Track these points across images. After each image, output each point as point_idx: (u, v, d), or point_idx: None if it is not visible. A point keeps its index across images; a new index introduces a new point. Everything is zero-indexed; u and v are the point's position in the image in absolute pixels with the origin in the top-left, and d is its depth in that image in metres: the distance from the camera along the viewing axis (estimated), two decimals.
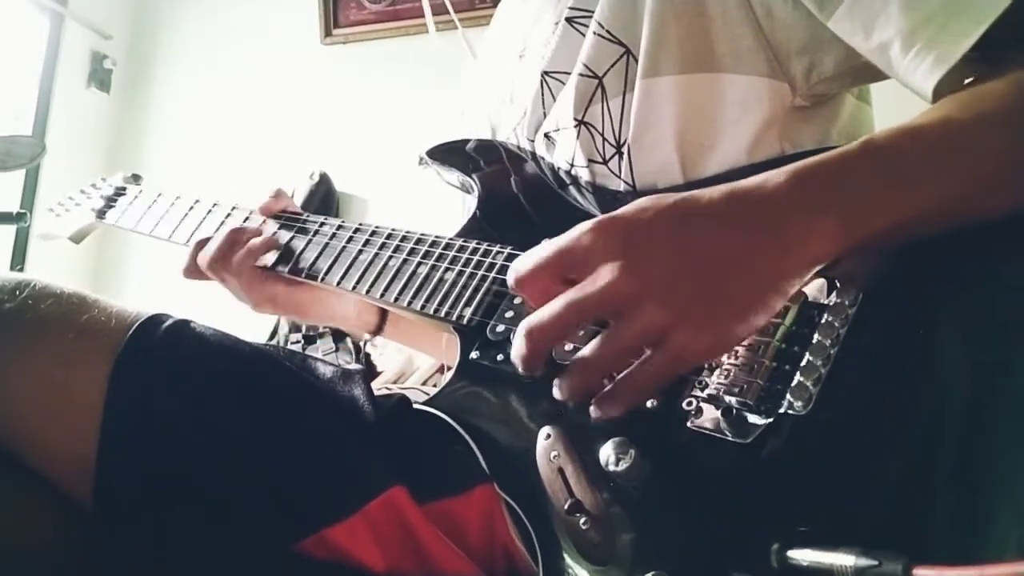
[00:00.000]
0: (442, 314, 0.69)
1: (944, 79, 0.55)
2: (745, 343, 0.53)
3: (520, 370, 0.51)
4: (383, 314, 0.99)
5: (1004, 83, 0.53)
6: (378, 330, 0.99)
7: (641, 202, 0.50)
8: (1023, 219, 0.49)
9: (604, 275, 0.48)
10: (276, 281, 0.88)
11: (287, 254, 0.87)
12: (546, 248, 0.51)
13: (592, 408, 0.51)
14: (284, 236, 0.89)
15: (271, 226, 0.91)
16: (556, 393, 0.51)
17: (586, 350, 0.49)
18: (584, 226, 0.50)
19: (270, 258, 0.88)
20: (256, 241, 0.87)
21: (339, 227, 0.85)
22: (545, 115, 0.79)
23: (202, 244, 0.90)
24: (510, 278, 0.52)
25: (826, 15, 0.61)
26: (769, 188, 0.50)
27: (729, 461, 0.50)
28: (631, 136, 0.71)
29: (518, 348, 0.50)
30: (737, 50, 0.68)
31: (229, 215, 0.96)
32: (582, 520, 0.52)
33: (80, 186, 1.18)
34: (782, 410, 0.49)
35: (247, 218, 0.94)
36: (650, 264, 0.47)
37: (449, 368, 0.69)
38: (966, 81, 0.57)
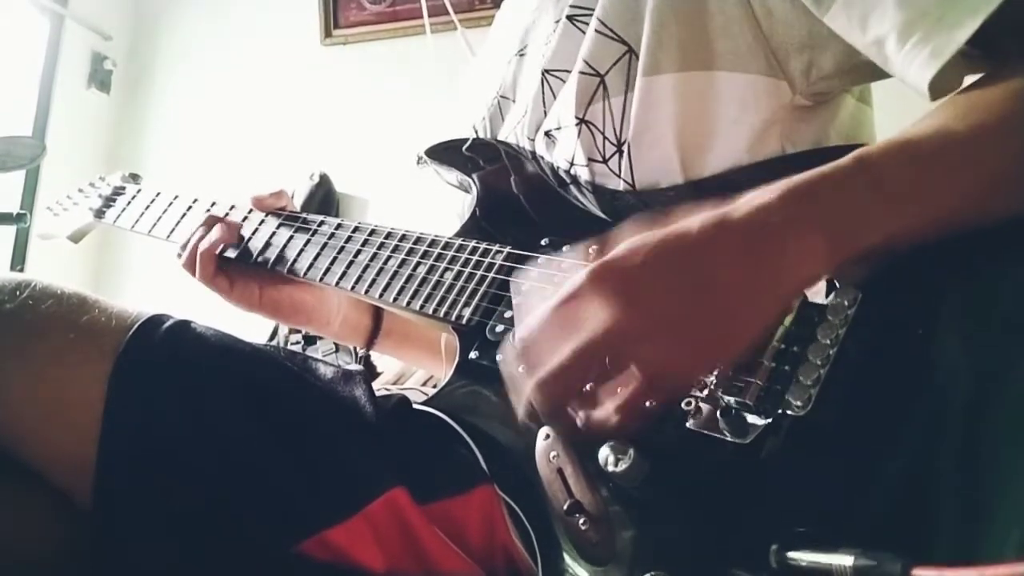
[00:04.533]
0: (441, 314, 0.69)
1: (941, 73, 0.54)
2: None
3: (548, 425, 0.52)
4: (375, 328, 0.98)
5: (1000, 90, 0.53)
6: (370, 344, 0.99)
7: (632, 243, 0.50)
8: (1022, 220, 0.49)
9: (602, 316, 0.48)
10: (250, 279, 0.89)
11: (285, 252, 0.87)
12: (544, 309, 0.51)
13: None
14: (283, 234, 0.89)
15: (270, 224, 0.91)
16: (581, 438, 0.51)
17: (594, 392, 0.50)
18: (576, 278, 0.50)
19: (271, 255, 0.88)
20: (212, 235, 0.88)
21: (338, 226, 0.85)
22: (545, 113, 0.79)
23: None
24: (518, 348, 0.52)
25: (822, 11, 0.61)
26: (759, 213, 0.49)
27: (728, 461, 0.50)
28: (631, 135, 0.71)
29: (538, 406, 0.50)
30: (736, 48, 0.68)
31: (227, 214, 0.96)
32: (581, 520, 0.52)
33: (78, 185, 1.18)
34: (781, 410, 0.49)
35: (246, 216, 0.94)
36: (645, 299, 0.48)
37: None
38: (965, 78, 0.57)
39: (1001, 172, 0.51)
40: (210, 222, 0.91)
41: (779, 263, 0.49)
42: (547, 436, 0.56)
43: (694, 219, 0.50)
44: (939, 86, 0.55)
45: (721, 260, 0.49)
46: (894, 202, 0.50)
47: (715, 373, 0.52)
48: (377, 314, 0.99)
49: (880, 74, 0.63)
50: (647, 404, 0.49)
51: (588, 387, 0.52)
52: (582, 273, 0.50)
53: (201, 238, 0.89)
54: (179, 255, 0.93)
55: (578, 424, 0.51)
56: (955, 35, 0.53)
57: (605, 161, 0.73)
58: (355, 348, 2.09)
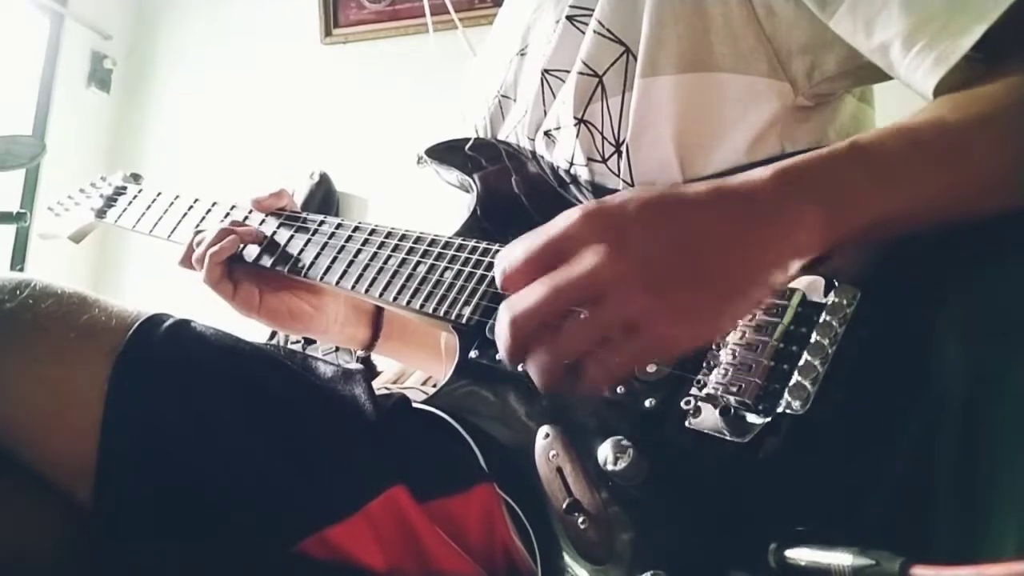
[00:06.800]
0: (441, 313, 0.69)
1: (945, 79, 0.55)
2: (743, 342, 0.53)
3: (507, 361, 0.48)
4: (375, 331, 0.98)
5: (1000, 85, 0.53)
6: (370, 346, 0.99)
7: (626, 192, 0.49)
8: (1021, 217, 0.50)
9: (588, 258, 0.46)
10: (251, 286, 0.88)
11: (285, 252, 0.87)
12: (532, 241, 0.49)
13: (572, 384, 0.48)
14: (283, 234, 0.89)
15: (270, 224, 0.91)
16: (531, 373, 0.48)
17: (562, 328, 0.47)
18: (570, 215, 0.48)
19: (266, 258, 0.88)
20: (224, 242, 0.87)
21: (338, 226, 0.85)
22: (545, 113, 0.79)
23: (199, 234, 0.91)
24: (498, 276, 0.50)
25: (827, 15, 0.61)
26: (754, 183, 0.49)
27: (727, 461, 0.50)
28: (629, 135, 0.71)
29: (503, 338, 0.47)
30: (738, 50, 0.68)
31: (228, 214, 0.96)
32: (580, 519, 0.52)
33: (80, 185, 1.19)
34: (780, 409, 0.49)
35: (246, 216, 0.94)
36: (635, 249, 0.46)
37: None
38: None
39: (997, 165, 0.50)
40: (223, 234, 0.89)
41: (771, 230, 0.48)
42: (547, 435, 0.57)
43: (691, 185, 0.50)
44: (943, 91, 0.55)
45: (713, 221, 0.48)
46: (887, 182, 0.50)
47: (692, 340, 0.49)
48: (375, 325, 0.99)
49: (884, 76, 0.63)
50: (615, 360, 0.47)
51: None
52: (574, 213, 0.48)
53: (212, 243, 0.88)
54: (182, 261, 0.93)
55: (544, 367, 0.47)
56: (960, 41, 0.53)
57: (604, 161, 0.73)
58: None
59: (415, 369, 1.10)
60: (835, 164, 0.50)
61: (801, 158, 0.50)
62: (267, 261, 0.88)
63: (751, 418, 0.50)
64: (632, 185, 0.72)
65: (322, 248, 0.84)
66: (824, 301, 0.52)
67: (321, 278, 0.82)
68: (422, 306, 0.71)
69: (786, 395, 0.49)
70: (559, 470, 0.55)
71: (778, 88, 0.68)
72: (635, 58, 0.71)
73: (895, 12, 0.56)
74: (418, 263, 0.74)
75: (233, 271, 0.88)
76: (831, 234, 0.48)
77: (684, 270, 0.46)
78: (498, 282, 0.50)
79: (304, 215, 0.90)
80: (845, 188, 0.49)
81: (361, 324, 0.97)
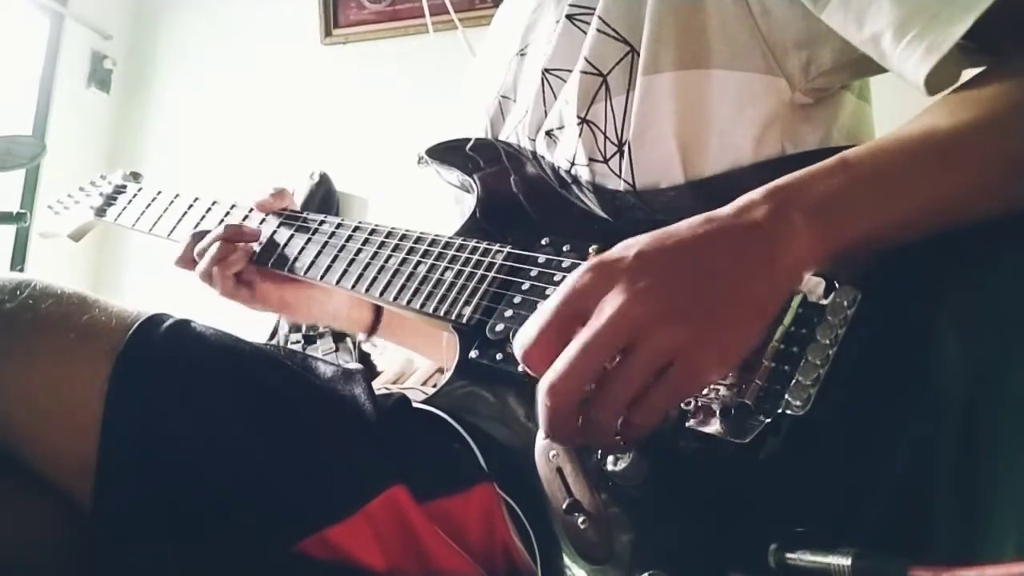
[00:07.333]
0: (441, 313, 0.69)
1: (936, 69, 0.54)
2: None
3: (554, 438, 0.48)
4: (377, 314, 0.99)
5: (993, 88, 0.53)
6: (372, 330, 1.00)
7: (625, 242, 0.50)
8: (1021, 217, 0.50)
9: (610, 306, 0.46)
10: (263, 279, 0.89)
11: (286, 252, 0.87)
12: (542, 314, 0.48)
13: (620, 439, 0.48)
14: (283, 234, 0.89)
15: (271, 224, 0.91)
16: (590, 443, 0.48)
17: (607, 386, 0.46)
18: (576, 274, 0.48)
19: (266, 258, 0.88)
20: (234, 255, 0.88)
21: (338, 225, 0.85)
22: (546, 113, 0.79)
23: (199, 236, 0.91)
24: (518, 354, 0.49)
25: (819, 8, 0.61)
26: (745, 205, 0.50)
27: (727, 461, 0.50)
28: (632, 134, 0.71)
29: (545, 415, 0.46)
30: (733, 46, 0.68)
31: (228, 213, 0.96)
32: (580, 519, 0.52)
33: (79, 184, 1.19)
34: (780, 410, 0.49)
35: (246, 216, 0.94)
36: (651, 287, 0.46)
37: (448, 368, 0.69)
38: (963, 72, 0.57)
39: (991, 171, 0.50)
40: (227, 249, 0.89)
41: (767, 251, 0.48)
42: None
43: (682, 221, 0.50)
44: (935, 81, 0.55)
45: (713, 250, 0.48)
46: (880, 194, 0.50)
47: (724, 366, 0.49)
48: (376, 307, 1.00)
49: (880, 68, 0.63)
50: (662, 401, 0.47)
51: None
52: (578, 273, 0.49)
53: (217, 257, 0.88)
54: (179, 261, 0.93)
55: (600, 430, 0.47)
56: (951, 31, 0.53)
57: (606, 161, 0.73)
58: (354, 347, 2.10)
59: (418, 353, 1.11)
60: (826, 179, 0.51)
61: (792, 176, 0.51)
62: (267, 261, 0.88)
63: (751, 419, 0.50)
64: (633, 185, 0.72)
65: (322, 247, 0.84)
66: (824, 302, 0.52)
67: (321, 277, 0.82)
68: (422, 306, 0.71)
69: (787, 396, 0.49)
70: (559, 470, 0.55)
71: (774, 84, 0.68)
72: (639, 56, 0.71)
73: (886, 3, 0.56)
74: (418, 263, 0.74)
75: (243, 273, 0.89)
76: (827, 249, 0.49)
77: (701, 301, 0.47)
78: (520, 364, 0.49)
79: (304, 215, 0.90)
80: (837, 201, 0.50)
81: (364, 307, 0.99)
